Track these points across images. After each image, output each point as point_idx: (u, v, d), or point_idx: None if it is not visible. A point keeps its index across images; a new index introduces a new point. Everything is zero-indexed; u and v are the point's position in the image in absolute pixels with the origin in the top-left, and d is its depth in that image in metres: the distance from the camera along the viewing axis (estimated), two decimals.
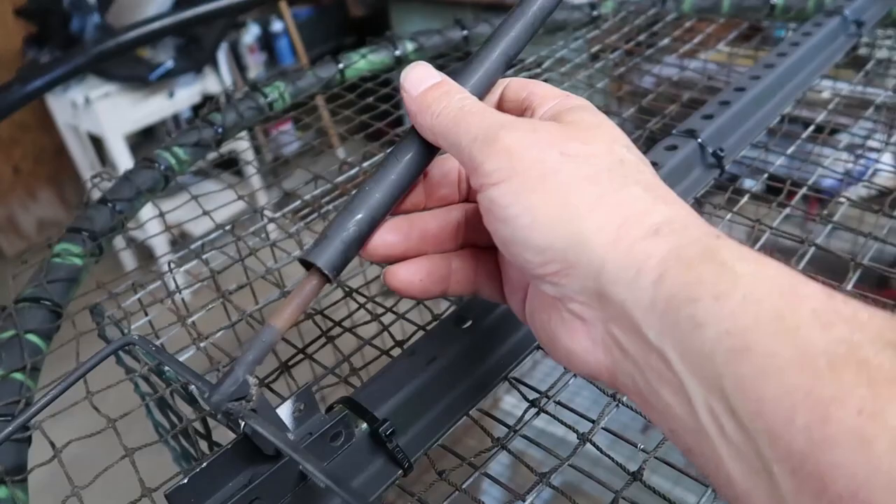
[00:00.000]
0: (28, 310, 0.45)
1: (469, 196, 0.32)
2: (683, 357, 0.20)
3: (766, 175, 0.49)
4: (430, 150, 0.29)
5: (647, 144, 0.54)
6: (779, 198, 0.46)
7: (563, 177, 0.24)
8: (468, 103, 0.27)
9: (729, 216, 0.45)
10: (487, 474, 0.31)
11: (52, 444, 0.35)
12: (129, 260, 2.12)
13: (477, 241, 0.31)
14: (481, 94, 0.30)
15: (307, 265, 0.28)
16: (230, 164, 0.80)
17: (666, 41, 0.73)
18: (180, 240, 0.60)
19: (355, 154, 0.61)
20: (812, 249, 0.40)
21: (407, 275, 0.30)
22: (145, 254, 2.20)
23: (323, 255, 0.27)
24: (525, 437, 0.33)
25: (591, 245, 0.23)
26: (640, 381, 0.22)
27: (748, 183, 0.50)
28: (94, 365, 0.31)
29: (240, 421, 0.27)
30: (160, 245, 1.86)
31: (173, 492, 0.26)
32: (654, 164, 0.45)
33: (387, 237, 0.30)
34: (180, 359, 0.43)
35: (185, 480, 0.26)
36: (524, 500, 0.29)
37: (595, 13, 0.82)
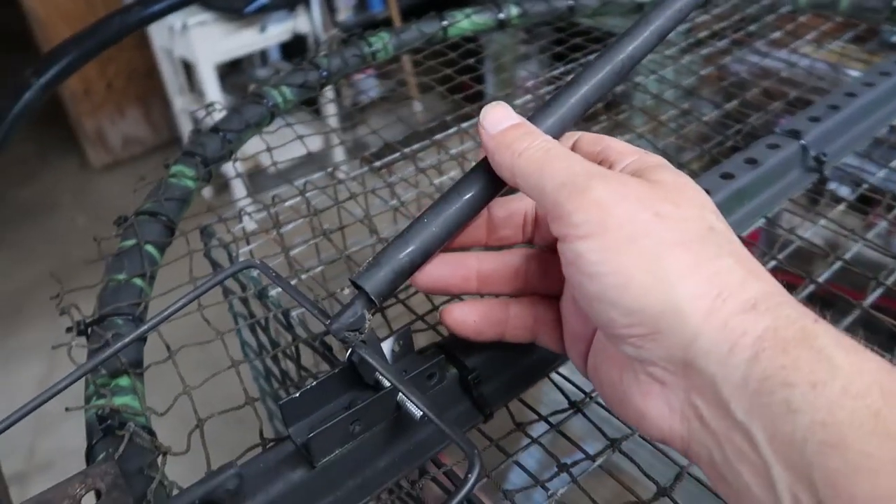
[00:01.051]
0: (147, 222, 0.49)
1: (533, 239, 0.31)
2: (772, 441, 0.20)
3: (864, 185, 0.49)
4: (493, 189, 0.29)
5: (745, 140, 0.54)
6: (877, 209, 0.46)
7: (655, 239, 0.23)
8: (553, 147, 0.26)
9: (823, 222, 0.45)
10: (562, 433, 0.33)
11: (168, 347, 0.39)
12: (206, 192, 2.21)
13: (538, 289, 0.31)
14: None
15: (357, 287, 0.29)
16: (309, 102, 0.82)
17: (777, 34, 0.72)
18: (256, 177, 0.63)
19: (434, 109, 0.63)
20: None
21: (461, 315, 0.30)
22: (219, 188, 2.28)
23: (371, 280, 0.29)
24: (599, 404, 0.35)
25: (684, 314, 0.22)
26: (717, 455, 0.22)
27: (843, 190, 0.50)
28: (221, 280, 0.35)
29: (342, 350, 0.30)
30: (240, 181, 1.93)
31: (287, 402, 0.29)
32: (753, 160, 0.46)
33: (441, 271, 0.30)
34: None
35: (297, 395, 0.30)
36: (594, 461, 0.32)
37: None
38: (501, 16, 0.79)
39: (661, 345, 0.23)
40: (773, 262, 0.42)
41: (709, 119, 0.57)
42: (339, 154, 1.93)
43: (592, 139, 0.29)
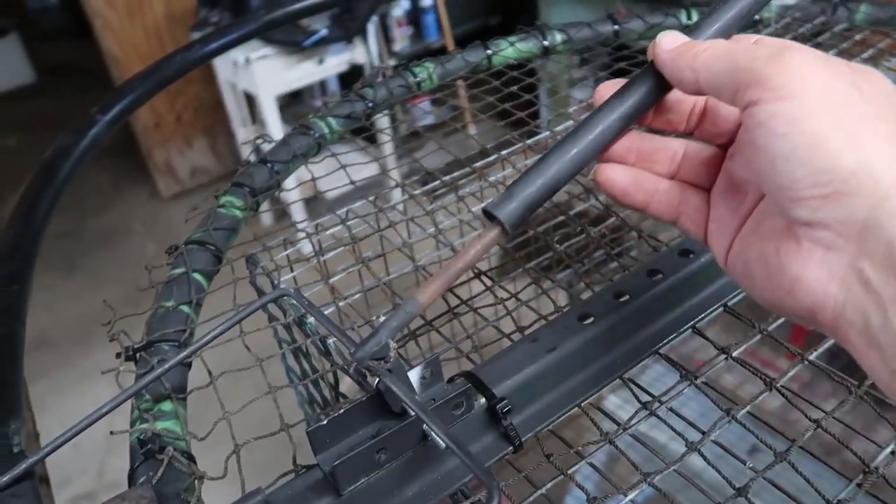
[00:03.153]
0: (195, 251, 0.50)
1: (697, 130, 0.32)
2: None
3: None
4: (625, 123, 0.30)
5: None
6: None
7: (853, 108, 0.24)
8: (735, 43, 0.28)
9: None
10: (592, 464, 0.33)
11: (210, 373, 0.41)
12: (267, 218, 2.27)
13: (690, 178, 0.32)
14: None
15: (490, 216, 0.29)
16: (365, 129, 0.84)
17: (831, 53, 0.70)
18: (314, 202, 0.65)
19: (488, 135, 0.64)
20: None
21: (613, 173, 0.32)
22: (279, 214, 2.35)
23: (505, 209, 0.29)
24: (633, 436, 0.34)
25: (878, 175, 0.23)
26: (875, 319, 0.23)
27: None
28: (256, 309, 0.36)
29: (372, 378, 0.31)
30: (298, 207, 1.98)
31: (314, 430, 0.30)
32: None
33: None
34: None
35: (325, 422, 0.30)
36: (625, 496, 0.31)
37: (756, 17, 0.79)
38: (546, 42, 0.79)
39: (844, 206, 0.23)
40: None
41: None
42: (393, 181, 1.96)
43: (749, 40, 0.29)
